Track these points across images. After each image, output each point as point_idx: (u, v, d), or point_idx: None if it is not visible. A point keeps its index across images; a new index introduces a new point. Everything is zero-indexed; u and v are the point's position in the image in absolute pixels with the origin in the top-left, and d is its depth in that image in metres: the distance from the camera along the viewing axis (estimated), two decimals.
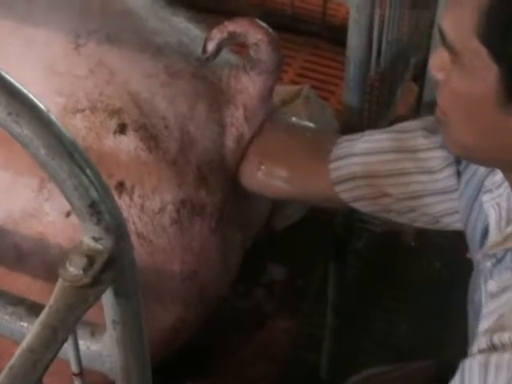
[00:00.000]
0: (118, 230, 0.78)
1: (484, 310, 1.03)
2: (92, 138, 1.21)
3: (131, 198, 1.20)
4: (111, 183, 1.19)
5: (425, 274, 2.14)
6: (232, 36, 1.28)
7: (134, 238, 1.20)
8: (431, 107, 2.05)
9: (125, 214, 1.19)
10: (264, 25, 1.28)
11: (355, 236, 1.92)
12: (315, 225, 1.62)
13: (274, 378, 1.56)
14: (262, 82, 1.29)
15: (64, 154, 0.72)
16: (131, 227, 1.20)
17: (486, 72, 0.92)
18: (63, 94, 1.23)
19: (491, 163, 1.07)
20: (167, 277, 1.25)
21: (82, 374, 0.84)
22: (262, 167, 1.32)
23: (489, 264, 1.07)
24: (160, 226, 1.22)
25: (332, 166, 1.28)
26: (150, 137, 1.22)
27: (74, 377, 0.85)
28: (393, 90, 1.85)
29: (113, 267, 0.78)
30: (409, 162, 1.23)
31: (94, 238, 0.77)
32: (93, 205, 0.75)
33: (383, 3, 1.63)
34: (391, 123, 1.90)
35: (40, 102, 0.72)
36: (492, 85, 0.92)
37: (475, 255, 1.15)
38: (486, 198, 1.11)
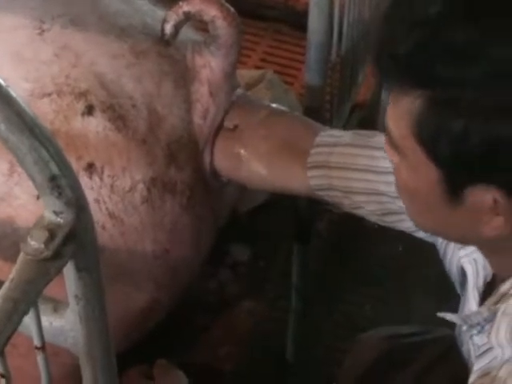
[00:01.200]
0: (78, 203, 0.79)
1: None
2: (60, 121, 1.21)
3: (101, 179, 1.21)
4: (81, 165, 1.20)
5: (387, 257, 2.16)
6: (187, 16, 1.29)
7: (105, 219, 1.22)
8: None
9: (95, 194, 1.21)
10: (218, 0, 1.29)
11: (318, 218, 1.94)
12: (278, 207, 1.63)
13: (240, 359, 1.57)
14: (222, 56, 1.30)
15: (24, 128, 0.74)
16: (102, 207, 1.21)
17: (427, 170, 0.93)
18: (29, 80, 1.23)
19: (454, 241, 1.11)
20: (139, 256, 1.26)
21: (44, 347, 0.85)
22: (241, 156, 1.33)
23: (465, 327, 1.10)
24: (131, 204, 1.23)
25: (310, 173, 1.29)
26: (118, 117, 1.23)
27: (36, 351, 0.86)
28: (355, 73, 1.87)
29: (73, 241, 0.79)
30: (382, 185, 1.24)
31: (54, 212, 0.78)
32: (53, 179, 0.76)
33: None
34: (354, 107, 1.92)
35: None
36: (435, 182, 0.94)
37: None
38: (461, 253, 1.13)
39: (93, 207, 1.19)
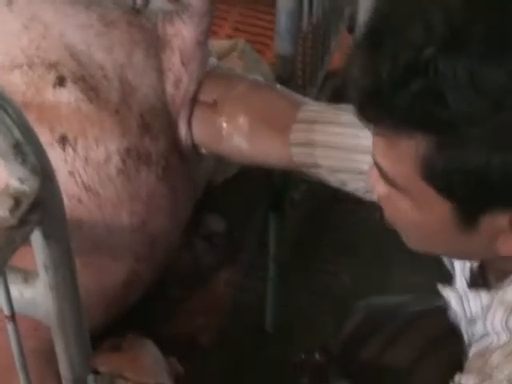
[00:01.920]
0: (43, 170, 0.78)
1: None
2: (32, 94, 1.20)
3: (75, 150, 1.20)
4: (54, 136, 1.19)
5: (363, 225, 2.16)
6: None
7: (81, 192, 1.20)
8: None
9: (70, 167, 1.19)
10: None
11: (293, 186, 1.93)
12: (253, 176, 1.63)
13: (217, 330, 1.57)
14: (194, 25, 1.28)
15: None
16: (78, 180, 1.20)
17: (438, 205, 0.91)
18: None
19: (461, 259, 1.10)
20: (117, 229, 1.25)
21: (14, 317, 0.85)
22: (221, 131, 1.31)
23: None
24: (106, 176, 1.22)
25: (294, 150, 1.27)
26: (90, 88, 1.22)
27: (6, 320, 0.85)
28: (327, 42, 1.86)
29: (39, 208, 0.78)
30: (367, 165, 1.19)
31: (19, 180, 0.77)
32: (17, 145, 0.75)
33: None
34: (327, 76, 1.92)
35: None
36: (447, 215, 0.92)
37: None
38: None
39: (68, 180, 1.19)
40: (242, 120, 1.31)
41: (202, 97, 1.33)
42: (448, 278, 1.17)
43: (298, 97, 1.36)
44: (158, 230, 1.31)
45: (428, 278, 1.55)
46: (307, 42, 1.71)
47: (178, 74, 1.30)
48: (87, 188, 1.21)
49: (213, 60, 1.37)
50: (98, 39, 1.25)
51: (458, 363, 1.20)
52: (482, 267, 1.07)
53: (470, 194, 0.89)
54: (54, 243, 0.83)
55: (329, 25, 1.85)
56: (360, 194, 1.28)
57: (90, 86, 1.22)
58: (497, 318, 0.97)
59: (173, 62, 1.30)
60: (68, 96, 1.21)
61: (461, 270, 1.11)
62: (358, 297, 1.97)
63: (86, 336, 0.98)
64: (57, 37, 1.23)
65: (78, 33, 1.24)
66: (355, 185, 1.26)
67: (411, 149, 0.88)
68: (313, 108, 1.30)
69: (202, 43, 1.32)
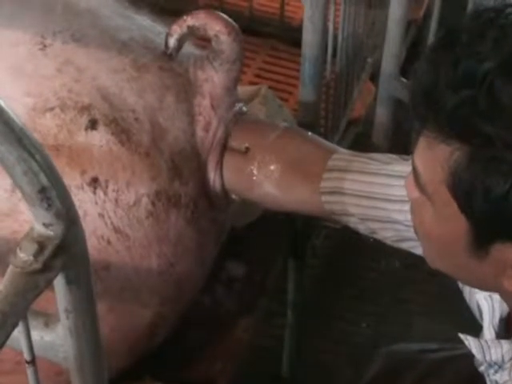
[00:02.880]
0: (68, 215, 0.78)
1: None
2: (64, 136, 1.21)
3: (105, 193, 1.21)
4: (85, 179, 1.20)
5: (384, 272, 2.16)
6: (192, 30, 1.29)
7: (110, 233, 1.21)
8: (387, 105, 2.08)
9: (100, 209, 1.20)
10: (223, 16, 1.29)
11: (314, 233, 1.93)
12: (274, 221, 1.63)
13: (235, 376, 1.56)
14: (225, 72, 1.30)
15: (12, 139, 0.73)
16: (107, 222, 1.20)
17: (456, 220, 0.92)
18: (31, 95, 1.23)
19: (472, 287, 1.10)
20: (144, 271, 1.25)
21: (34, 361, 0.85)
22: (253, 178, 1.32)
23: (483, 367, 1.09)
24: (136, 219, 1.23)
25: (324, 198, 1.28)
26: (122, 130, 1.23)
27: (26, 365, 0.85)
28: (350, 90, 1.87)
29: (63, 253, 0.79)
30: (397, 214, 1.22)
31: (44, 224, 0.78)
32: (42, 190, 0.76)
33: (338, 0, 1.65)
34: (349, 123, 1.93)
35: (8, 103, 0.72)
36: (462, 233, 0.93)
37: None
38: (476, 288, 1.12)
39: (97, 222, 1.20)
40: (273, 167, 1.31)
41: (233, 143, 1.33)
42: (470, 324, 1.17)
43: (329, 144, 1.37)
44: (185, 272, 1.31)
45: (449, 325, 1.54)
46: (330, 89, 1.72)
47: (208, 118, 1.31)
48: (116, 230, 1.22)
49: (242, 105, 1.38)
50: (129, 83, 1.27)
51: None
52: (509, 320, 1.07)
53: (487, 218, 0.89)
54: (77, 288, 0.84)
55: (352, 73, 1.86)
56: (389, 242, 1.28)
57: (121, 128, 1.23)
58: None
59: (203, 106, 1.31)
60: (100, 139, 1.22)
61: (489, 320, 1.11)
62: (378, 345, 1.96)
63: (105, 380, 0.97)
64: (89, 80, 1.25)
65: (111, 76, 1.26)
66: (385, 233, 1.26)
67: (445, 155, 0.89)
68: (343, 156, 1.30)
69: (232, 89, 1.33)
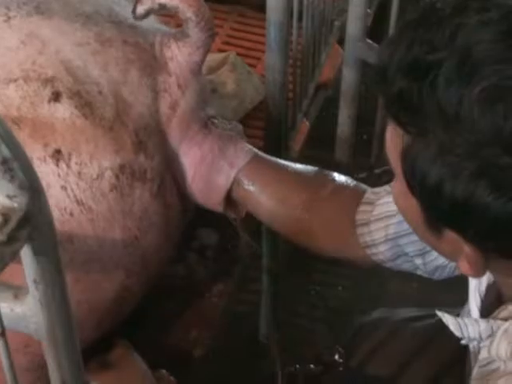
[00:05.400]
0: (32, 186, 0.78)
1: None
2: (27, 108, 1.21)
3: (68, 166, 1.21)
4: (48, 151, 1.20)
5: None
6: (162, 7, 1.28)
7: (73, 206, 1.21)
8: (354, 68, 2.06)
9: (62, 181, 1.20)
10: (198, 3, 1.28)
11: None
12: None
13: (211, 342, 1.57)
14: (188, 54, 1.30)
15: None
16: (70, 194, 1.21)
17: (411, 198, 0.93)
18: None
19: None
20: (109, 244, 1.26)
21: (4, 333, 0.85)
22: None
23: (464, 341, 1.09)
24: (99, 192, 1.23)
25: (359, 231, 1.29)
26: (85, 103, 1.23)
27: None
28: (317, 54, 1.87)
29: (28, 224, 0.78)
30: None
31: (8, 196, 0.77)
32: (4, 162, 0.75)
33: None
34: (318, 88, 1.92)
35: None
36: (417, 211, 0.94)
37: None
38: None
39: (60, 194, 1.20)
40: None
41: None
42: (447, 288, 1.18)
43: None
44: (151, 246, 1.32)
45: (424, 285, 1.56)
46: (297, 53, 1.71)
47: (175, 96, 1.31)
48: (79, 202, 1.22)
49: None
50: (94, 56, 1.27)
51: (443, 370, 1.21)
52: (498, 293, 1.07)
53: (427, 205, 0.90)
54: (44, 259, 0.83)
55: (319, 37, 1.85)
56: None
57: (85, 101, 1.23)
58: (502, 349, 0.97)
59: (169, 83, 1.31)
60: (63, 111, 1.22)
61: (475, 286, 1.12)
62: (354, 308, 1.98)
63: (78, 351, 0.97)
64: (53, 53, 1.24)
65: (75, 49, 1.26)
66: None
67: (400, 137, 0.90)
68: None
69: (196, 72, 1.32)
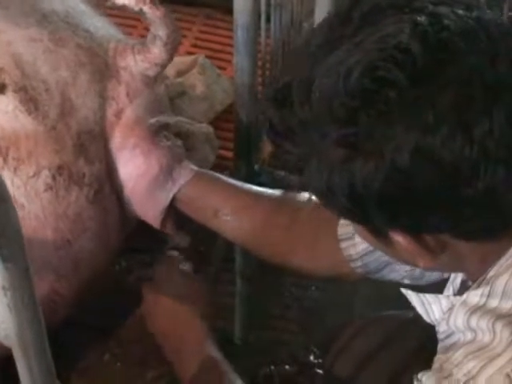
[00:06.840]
0: None
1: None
2: None
3: (5, 160, 1.21)
4: None
5: None
6: (123, 8, 1.28)
7: None
8: None
9: None
10: (167, 21, 1.28)
11: None
12: None
13: None
14: (144, 68, 1.30)
15: None
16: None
17: None
18: None
19: None
20: (39, 244, 1.25)
21: None
22: None
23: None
24: (34, 190, 1.23)
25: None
26: (30, 99, 1.23)
27: None
28: (286, 55, 1.87)
29: None
30: None
31: None
32: None
33: None
34: None
35: None
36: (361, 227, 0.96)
37: None
38: None
39: None
40: None
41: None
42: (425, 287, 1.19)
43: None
44: (84, 251, 1.31)
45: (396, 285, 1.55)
46: (266, 55, 1.72)
47: (122, 105, 1.30)
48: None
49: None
50: (44, 54, 1.27)
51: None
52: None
53: (360, 217, 0.91)
54: (12, 265, 0.84)
55: (287, 38, 1.86)
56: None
57: (30, 97, 1.23)
58: (459, 319, 0.98)
59: (118, 91, 1.30)
60: (6, 104, 1.21)
61: (451, 280, 1.12)
62: (328, 308, 1.98)
63: (49, 356, 0.98)
64: (4, 44, 1.25)
65: (26, 44, 1.26)
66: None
67: None
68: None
69: (149, 85, 1.32)
